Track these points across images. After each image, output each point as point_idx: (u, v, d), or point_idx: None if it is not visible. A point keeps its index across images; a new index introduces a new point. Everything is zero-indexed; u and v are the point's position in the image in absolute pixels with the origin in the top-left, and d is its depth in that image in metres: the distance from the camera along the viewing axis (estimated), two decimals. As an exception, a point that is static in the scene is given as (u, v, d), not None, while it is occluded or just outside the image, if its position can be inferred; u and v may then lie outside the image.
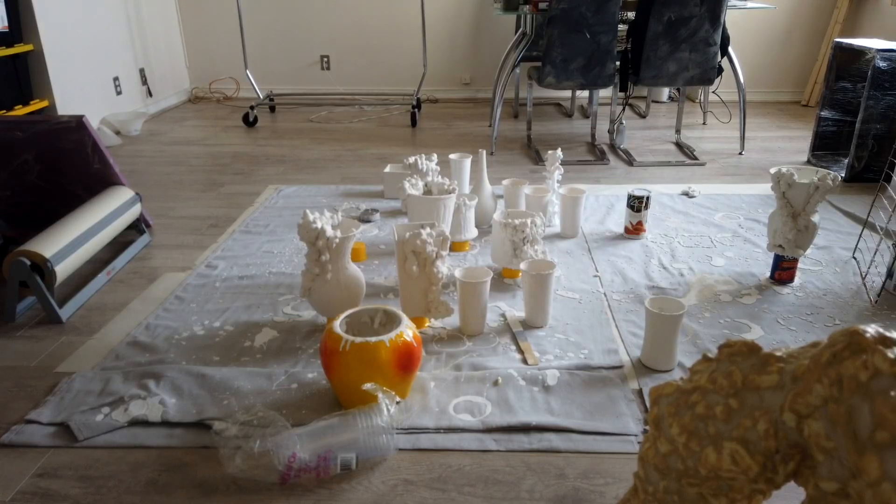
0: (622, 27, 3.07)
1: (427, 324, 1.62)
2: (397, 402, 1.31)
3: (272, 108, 4.17)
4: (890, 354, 0.64)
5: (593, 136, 3.35)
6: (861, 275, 1.87)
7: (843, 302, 1.73)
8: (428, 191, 2.00)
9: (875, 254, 1.84)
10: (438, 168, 2.19)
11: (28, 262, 1.60)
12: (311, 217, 1.47)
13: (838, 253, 2.02)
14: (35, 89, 3.10)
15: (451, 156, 2.36)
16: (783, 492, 1.04)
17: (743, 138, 3.15)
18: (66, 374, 1.44)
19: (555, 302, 1.73)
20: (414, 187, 1.95)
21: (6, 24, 2.87)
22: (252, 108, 3.73)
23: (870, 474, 0.61)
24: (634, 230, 2.13)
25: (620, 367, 1.44)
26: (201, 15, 4.39)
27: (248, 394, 1.35)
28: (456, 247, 2.04)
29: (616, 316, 1.66)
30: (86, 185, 2.09)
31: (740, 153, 3.14)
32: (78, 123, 1.92)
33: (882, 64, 2.51)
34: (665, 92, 4.36)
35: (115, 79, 3.70)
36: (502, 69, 3.69)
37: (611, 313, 1.68)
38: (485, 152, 2.17)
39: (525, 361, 1.47)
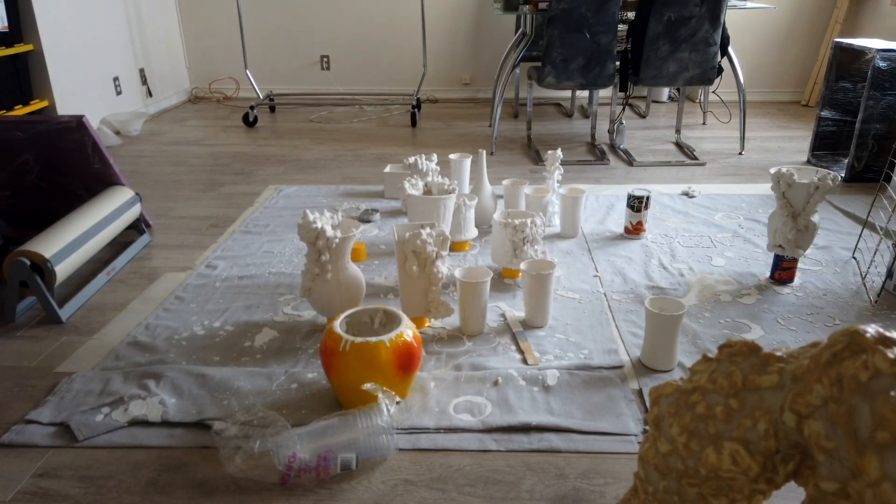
0: (622, 27, 3.07)
1: (427, 324, 1.62)
2: (397, 402, 1.31)
3: (272, 108, 4.17)
4: (890, 354, 0.64)
5: (593, 136, 3.35)
6: (861, 275, 1.87)
7: (843, 302, 1.73)
8: (428, 191, 2.00)
9: (875, 254, 1.84)
10: (438, 168, 2.19)
11: (28, 262, 1.60)
12: (311, 217, 1.47)
13: (838, 253, 2.02)
14: (35, 89, 3.10)
15: (451, 156, 2.36)
16: (783, 492, 1.04)
17: (743, 138, 3.15)
18: (66, 374, 1.44)
19: (555, 302, 1.73)
20: (414, 187, 1.95)
21: (6, 24, 2.87)
22: (252, 108, 3.73)
23: (870, 474, 0.61)
24: (634, 230, 2.13)
25: (620, 367, 1.44)
26: (201, 15, 4.39)
27: (248, 394, 1.35)
28: (456, 247, 2.04)
29: (616, 316, 1.66)
30: (86, 185, 2.09)
31: (740, 153, 3.14)
32: (78, 123, 1.92)
33: (882, 64, 2.51)
34: (665, 92, 4.36)
35: (115, 79, 3.70)
36: (502, 69, 3.69)
37: (611, 313, 1.68)
38: (485, 152, 2.17)
39: (525, 361, 1.47)
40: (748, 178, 2.78)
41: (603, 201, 2.48)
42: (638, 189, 2.11)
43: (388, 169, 2.53)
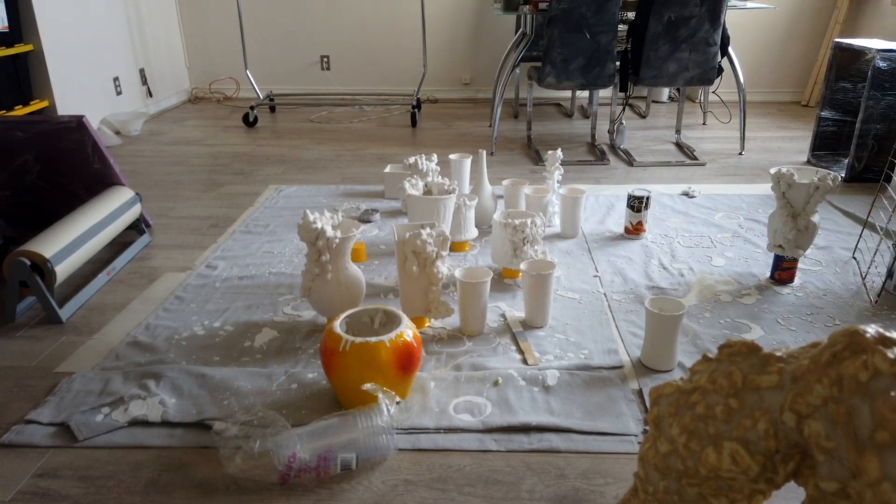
0: (622, 27, 3.07)
1: (427, 324, 1.62)
2: (397, 403, 1.31)
3: (272, 108, 4.17)
4: (890, 354, 0.64)
5: (593, 136, 3.35)
6: (861, 275, 1.87)
7: (843, 302, 1.73)
8: (428, 191, 2.00)
9: (875, 254, 1.84)
10: (438, 168, 2.19)
11: (28, 262, 1.60)
12: (311, 217, 1.47)
13: (838, 253, 2.02)
14: (35, 89, 3.10)
15: (451, 156, 2.36)
16: (783, 492, 1.04)
17: (743, 138, 3.15)
18: (66, 374, 1.44)
19: (555, 302, 1.73)
20: (414, 187, 1.95)
21: (6, 24, 2.87)
22: (252, 108, 3.73)
23: (870, 474, 0.61)
24: (634, 230, 2.13)
25: (620, 367, 1.44)
26: (201, 15, 4.39)
27: (248, 394, 1.35)
28: (456, 247, 2.04)
29: (616, 316, 1.66)
30: (86, 185, 2.09)
31: (740, 153, 3.14)
32: (78, 123, 1.92)
33: (882, 64, 2.51)
34: (665, 92, 4.36)
35: (115, 79, 3.70)
36: (502, 69, 3.69)
37: (611, 313, 1.68)
38: (485, 152, 2.17)
39: (525, 361, 1.47)
40: (748, 178, 2.78)
41: (603, 201, 2.48)
42: (638, 189, 2.11)
43: (388, 169, 2.53)
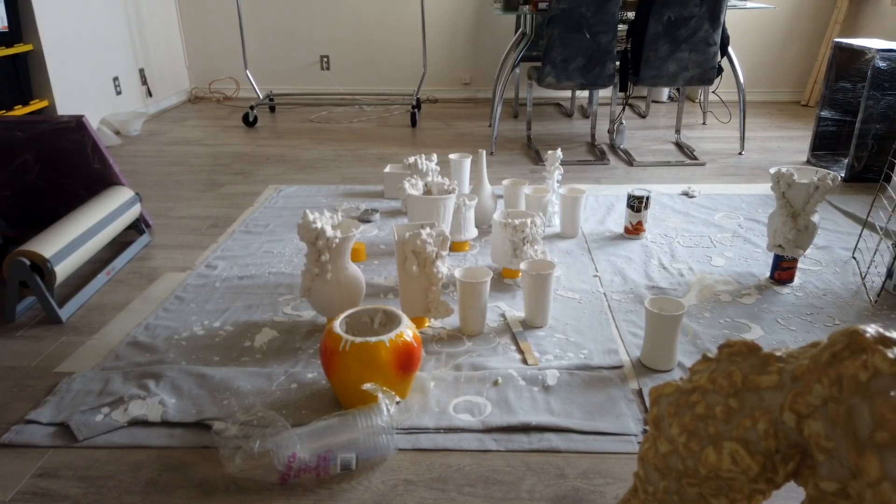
0: (622, 27, 3.07)
1: (427, 324, 1.62)
2: (397, 402, 1.31)
3: (272, 108, 4.17)
4: (890, 354, 0.64)
5: (593, 136, 3.35)
6: (861, 275, 1.87)
7: (842, 302, 1.73)
8: (428, 191, 2.00)
9: (875, 254, 1.84)
10: (438, 168, 2.19)
11: (28, 262, 1.60)
12: (311, 217, 1.47)
13: (838, 253, 2.02)
14: (35, 89, 3.10)
15: (451, 156, 2.36)
16: (783, 492, 1.04)
17: (743, 138, 3.15)
18: (66, 374, 1.44)
19: (555, 302, 1.73)
20: (414, 187, 1.95)
21: (6, 24, 2.87)
22: (252, 108, 3.73)
23: (870, 474, 0.61)
24: (634, 230, 2.13)
25: (620, 367, 1.44)
26: (201, 15, 4.39)
27: (248, 394, 1.35)
28: (456, 247, 2.04)
29: (616, 316, 1.66)
30: (86, 185, 2.09)
31: (740, 153, 3.14)
32: (78, 123, 1.92)
33: (882, 64, 2.51)
34: (665, 92, 4.36)
35: (115, 79, 3.70)
36: (502, 69, 3.69)
37: (611, 313, 1.68)
38: (485, 152, 2.17)
39: (525, 361, 1.47)
40: (748, 178, 2.78)
41: (603, 201, 2.48)
42: (638, 189, 2.11)
43: (388, 169, 2.53)
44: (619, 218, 2.30)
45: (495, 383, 1.38)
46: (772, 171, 1.72)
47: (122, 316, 1.70)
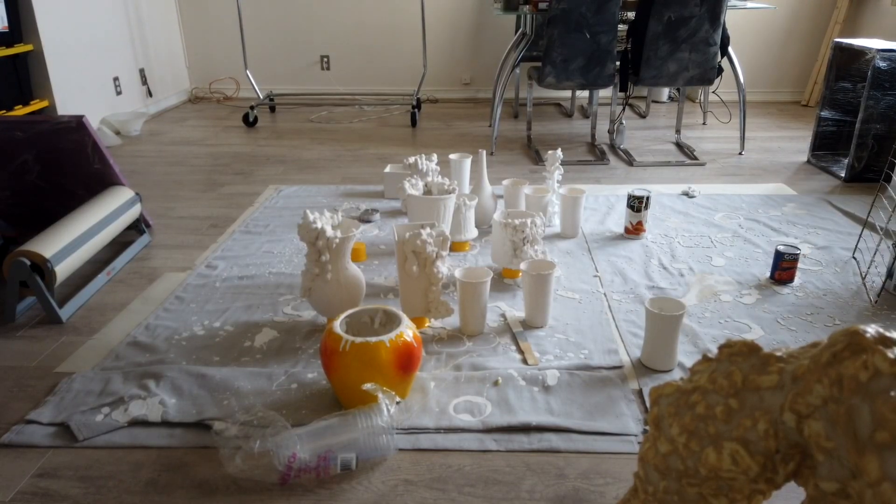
0: (622, 27, 3.07)
1: (427, 324, 1.62)
2: (397, 402, 1.31)
3: (272, 108, 4.17)
4: (890, 354, 0.64)
5: (593, 136, 3.35)
6: (861, 275, 1.87)
7: (843, 302, 1.73)
8: (428, 191, 2.00)
9: (875, 254, 1.84)
10: (438, 168, 2.19)
11: (28, 262, 1.60)
12: (311, 217, 1.47)
13: (838, 253, 2.02)
14: (35, 89, 3.10)
15: (451, 156, 2.36)
16: (783, 492, 1.04)
17: (743, 138, 3.15)
18: (66, 374, 1.44)
19: (555, 302, 1.73)
20: (414, 187, 1.95)
21: (6, 24, 2.87)
22: (252, 108, 3.73)
23: (870, 474, 0.61)
24: (634, 230, 2.13)
25: (620, 367, 1.44)
26: (201, 15, 4.39)
27: (248, 394, 1.35)
28: (456, 247, 2.04)
29: (616, 316, 1.66)
30: (86, 185, 2.09)
31: (740, 153, 3.14)
32: (78, 123, 1.92)
33: (882, 64, 2.51)
34: (665, 92, 4.36)
35: (115, 79, 3.70)
36: (502, 69, 3.69)
37: (611, 313, 1.68)
38: (485, 152, 2.17)
39: (525, 361, 1.47)
40: (748, 178, 2.78)
41: (603, 201, 2.48)
42: (638, 189, 2.11)
43: (388, 169, 2.53)
44: (619, 218, 2.30)
45: (495, 383, 1.38)
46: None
47: (122, 316, 1.70)
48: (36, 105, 3.05)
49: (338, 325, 1.29)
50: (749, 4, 3.23)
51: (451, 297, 1.75)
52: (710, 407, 0.78)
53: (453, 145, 3.32)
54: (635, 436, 1.23)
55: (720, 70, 2.93)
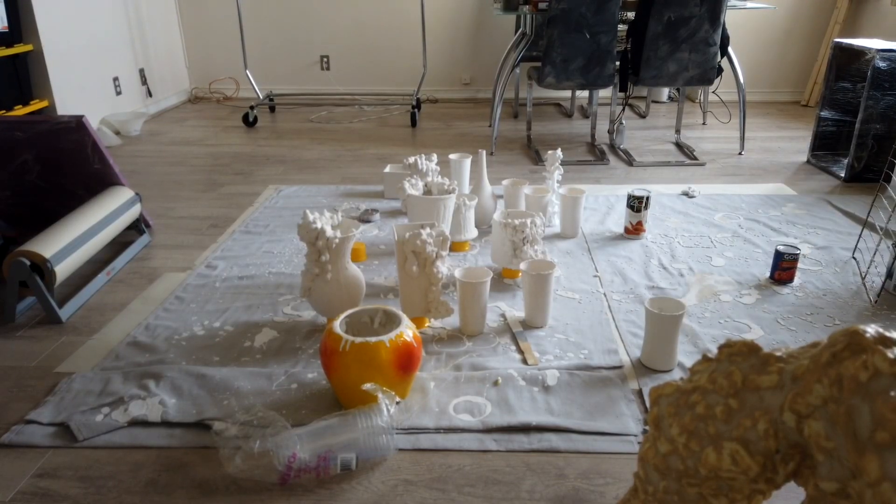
0: (622, 27, 3.07)
1: (427, 324, 1.62)
2: (397, 403, 1.31)
3: (272, 109, 4.17)
4: (890, 354, 0.64)
5: (593, 136, 3.35)
6: (861, 275, 1.87)
7: (842, 302, 1.73)
8: (428, 191, 2.00)
9: (875, 254, 1.84)
10: (438, 168, 2.19)
11: (28, 262, 1.60)
12: (311, 217, 1.47)
13: (838, 253, 2.02)
14: (35, 89, 3.10)
15: (451, 156, 2.36)
16: (783, 492, 1.04)
17: (743, 138, 3.15)
18: (65, 375, 1.44)
19: (555, 302, 1.73)
20: (414, 187, 1.95)
21: (6, 24, 2.87)
22: (252, 108, 3.73)
23: (870, 474, 0.61)
24: (634, 230, 2.13)
25: (620, 367, 1.44)
26: (201, 15, 4.39)
27: (248, 394, 1.35)
28: (456, 247, 2.04)
29: (616, 316, 1.66)
30: (86, 185, 2.09)
31: (740, 153, 3.14)
32: (78, 123, 1.92)
33: (882, 64, 2.51)
34: (665, 92, 4.36)
35: (115, 79, 3.70)
36: (502, 69, 3.69)
37: (611, 313, 1.68)
38: (485, 152, 2.17)
39: (525, 361, 1.47)
40: (748, 178, 2.78)
41: (603, 201, 2.48)
42: (638, 189, 2.11)
43: (388, 169, 2.53)
44: (619, 218, 2.30)
45: (495, 383, 1.38)
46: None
47: (122, 316, 1.70)
48: (36, 105, 3.05)
49: (338, 325, 1.29)
50: (749, 4, 3.23)
51: (450, 297, 1.75)
52: (710, 407, 0.78)
53: (453, 145, 3.32)
54: (635, 436, 1.23)
55: (720, 70, 2.93)
